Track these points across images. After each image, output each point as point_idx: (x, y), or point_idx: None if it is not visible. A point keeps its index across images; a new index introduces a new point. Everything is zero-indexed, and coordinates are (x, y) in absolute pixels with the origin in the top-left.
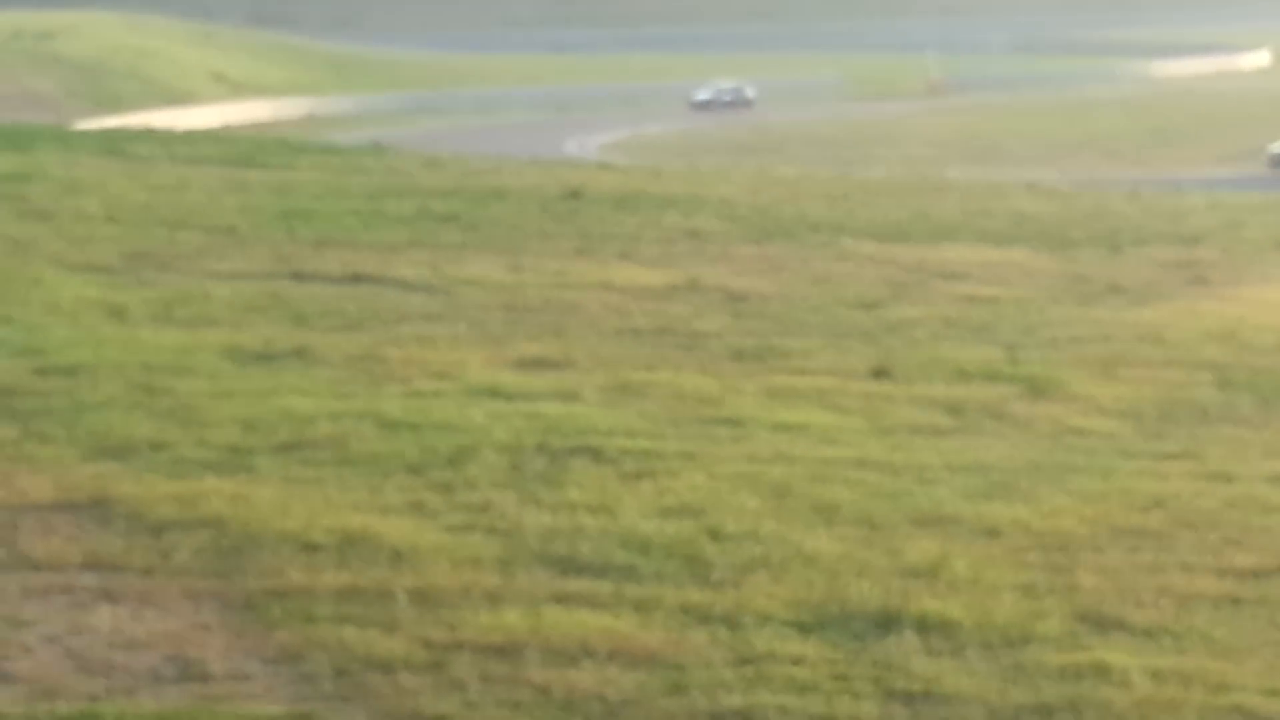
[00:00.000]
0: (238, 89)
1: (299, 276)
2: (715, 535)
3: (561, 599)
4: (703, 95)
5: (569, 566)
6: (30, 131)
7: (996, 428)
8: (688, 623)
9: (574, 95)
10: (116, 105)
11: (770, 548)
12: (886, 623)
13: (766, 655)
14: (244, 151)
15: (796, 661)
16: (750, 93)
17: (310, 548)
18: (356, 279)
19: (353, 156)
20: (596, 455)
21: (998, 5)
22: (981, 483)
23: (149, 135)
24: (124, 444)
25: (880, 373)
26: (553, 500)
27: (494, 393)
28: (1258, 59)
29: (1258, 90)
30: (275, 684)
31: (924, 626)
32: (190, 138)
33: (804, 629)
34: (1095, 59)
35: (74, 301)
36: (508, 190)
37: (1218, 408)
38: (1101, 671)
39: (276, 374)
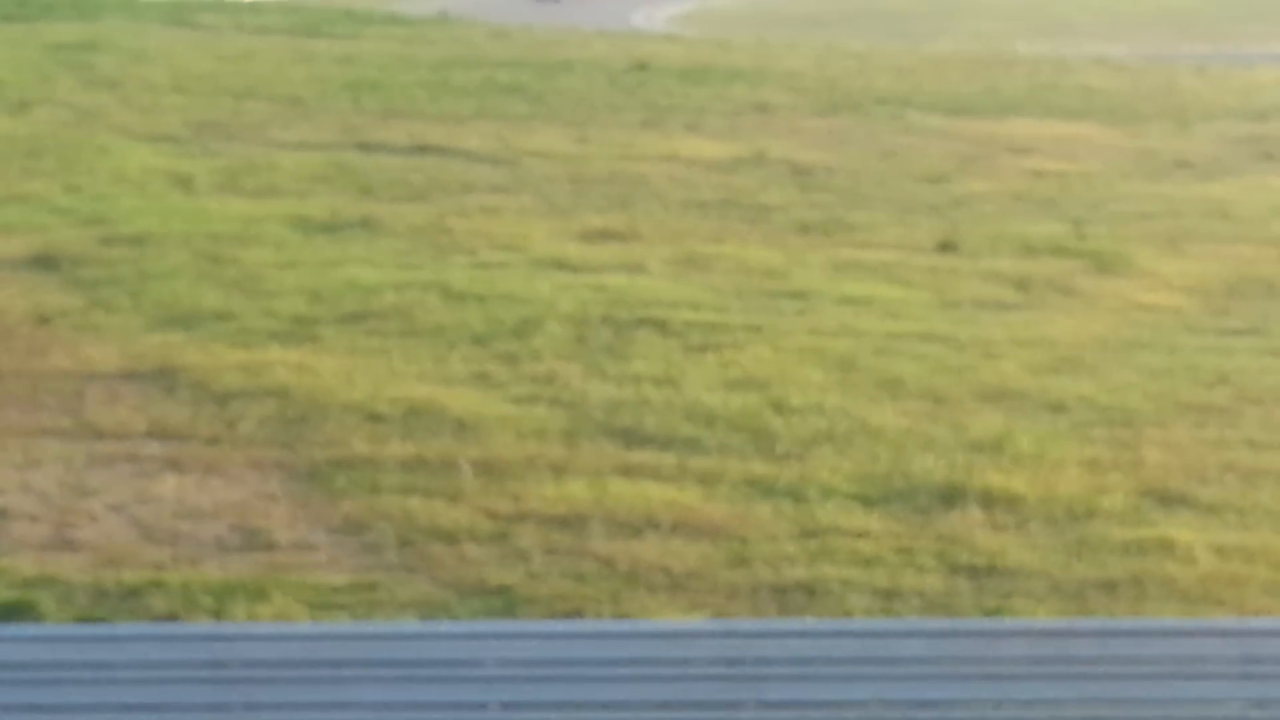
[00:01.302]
0: None
1: (365, 147)
2: (780, 408)
3: (626, 471)
4: None
5: (633, 438)
6: (98, 0)
7: (1062, 303)
8: (752, 495)
9: None
10: None
11: (835, 421)
12: (950, 497)
13: (830, 529)
14: (310, 21)
15: (860, 535)
16: None
17: (375, 418)
18: (422, 150)
19: (419, 27)
20: (661, 327)
21: None
22: (1047, 358)
23: (215, 5)
24: (190, 313)
25: (946, 247)
26: (617, 372)
27: (559, 264)
28: None
29: None
30: (340, 554)
31: (988, 501)
32: (256, 7)
33: (868, 503)
34: None
35: (140, 171)
36: (574, 62)
37: None
38: (1166, 547)
39: (342, 244)
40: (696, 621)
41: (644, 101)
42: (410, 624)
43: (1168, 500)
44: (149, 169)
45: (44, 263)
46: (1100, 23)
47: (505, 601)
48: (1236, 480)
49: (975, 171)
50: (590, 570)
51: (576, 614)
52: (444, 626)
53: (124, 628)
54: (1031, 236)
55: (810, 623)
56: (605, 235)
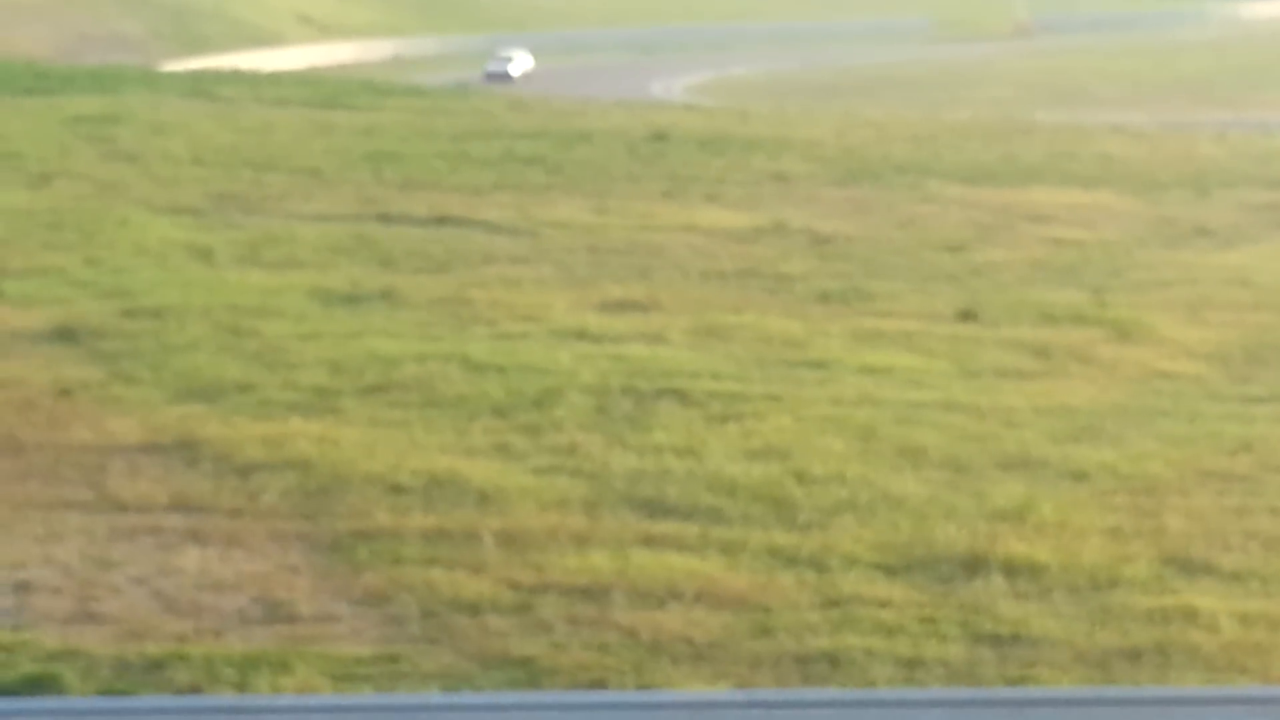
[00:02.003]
0: (324, 30)
1: (385, 218)
2: (801, 478)
3: (648, 541)
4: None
5: (656, 509)
6: (117, 73)
7: (1083, 371)
8: (774, 565)
9: (659, 36)
10: (203, 47)
11: (856, 490)
12: (973, 566)
13: (853, 598)
14: (330, 93)
15: (883, 604)
16: (516, 67)
17: (397, 489)
18: (442, 221)
19: (438, 98)
20: (683, 397)
21: None
22: (1068, 426)
23: (235, 77)
24: (211, 385)
25: (966, 315)
26: (639, 442)
27: (580, 335)
28: None
29: None
30: (362, 625)
31: (1011, 569)
32: (276, 79)
33: (890, 572)
34: (1183, 0)
35: (160, 243)
36: (593, 132)
37: None
38: (1189, 615)
39: (363, 316)
40: (720, 691)
41: (663, 171)
42: (434, 695)
43: (1191, 568)
44: (169, 241)
45: (65, 335)
46: (1119, 90)
47: (528, 672)
48: (1259, 548)
49: (994, 240)
50: (613, 641)
51: (600, 684)
52: (467, 698)
53: (147, 700)
54: (1051, 305)
55: (834, 692)
56: (625, 305)
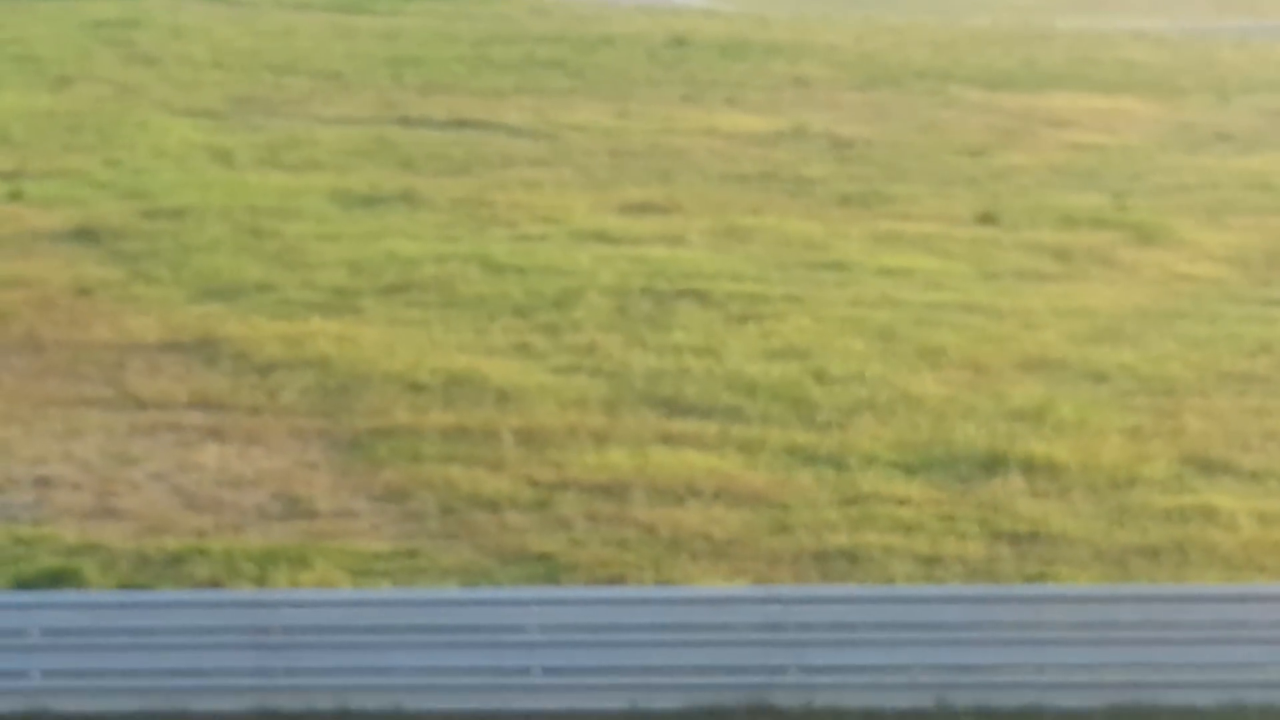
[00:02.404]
0: None
1: (405, 121)
2: (821, 377)
3: (667, 439)
4: None
5: (675, 407)
6: None
7: (1103, 273)
8: (793, 463)
9: None
10: None
11: (876, 390)
12: (992, 464)
13: (872, 496)
14: None
15: (902, 502)
16: None
17: (416, 388)
18: (463, 124)
19: (460, 3)
20: (702, 298)
21: None
22: (1088, 327)
23: None
24: (231, 285)
25: (986, 218)
26: (658, 342)
27: (600, 237)
28: None
29: None
30: (381, 521)
31: (1030, 468)
32: None
33: (909, 470)
34: None
35: (180, 145)
36: (614, 37)
37: None
38: (1208, 514)
39: (382, 217)
40: (738, 587)
41: (683, 76)
42: (452, 590)
43: (1209, 468)
44: (189, 143)
45: (85, 235)
46: None
47: (547, 568)
48: (1278, 448)
49: (1015, 144)
50: (632, 537)
51: (618, 580)
52: (486, 593)
53: (166, 595)
54: (1072, 208)
55: (852, 589)
56: (645, 208)
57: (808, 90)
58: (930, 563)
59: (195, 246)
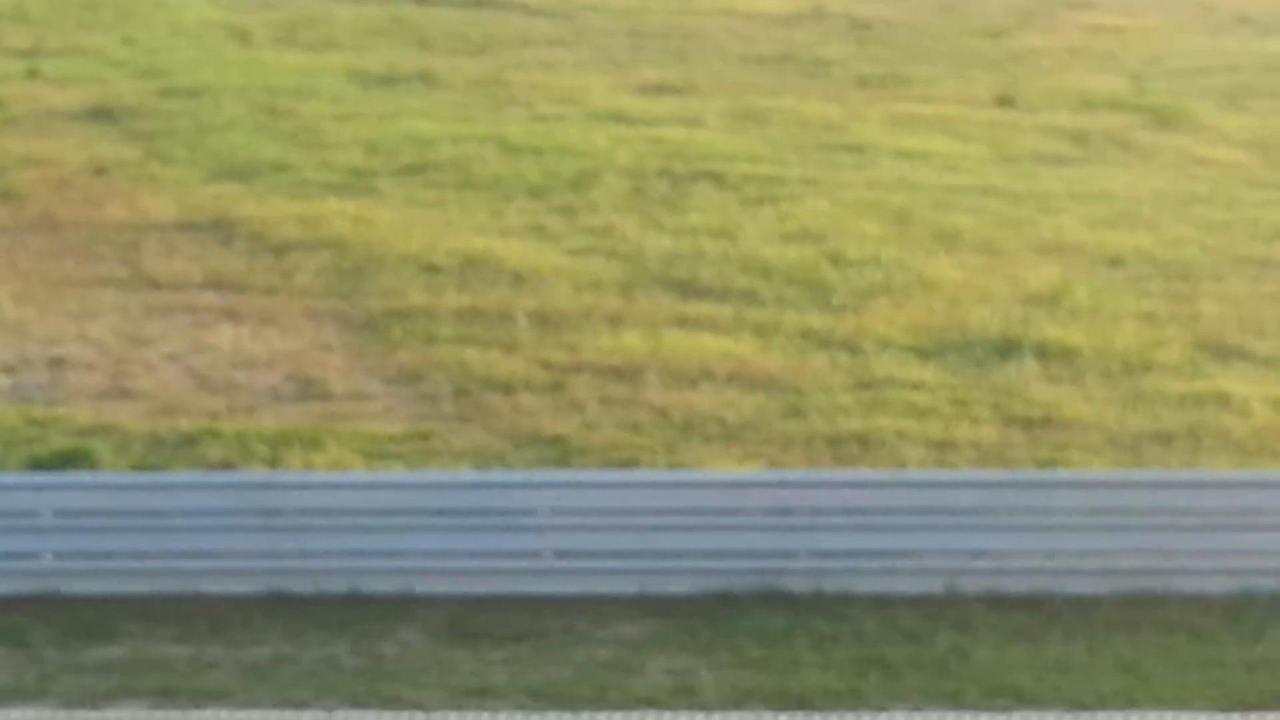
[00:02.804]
0: None
1: (422, 1)
2: (836, 260)
3: (682, 322)
4: None
5: (689, 290)
6: None
7: (1121, 157)
8: (807, 347)
9: None
10: None
11: (891, 274)
12: (1006, 349)
13: (885, 380)
14: None
15: (915, 387)
16: None
17: (431, 269)
18: (480, 3)
19: None
20: (718, 180)
21: None
22: (1104, 211)
23: None
24: (247, 165)
25: (1004, 101)
26: (674, 224)
27: (617, 117)
28: None
29: None
30: (395, 403)
31: (1044, 353)
32: None
33: (923, 354)
34: None
35: (197, 23)
36: None
37: None
38: (1221, 399)
39: (399, 97)
40: (751, 472)
41: None
42: (465, 473)
43: (1223, 353)
44: (206, 22)
45: (101, 114)
46: None
47: (560, 451)
48: None
49: (1034, 26)
50: (645, 420)
51: (631, 464)
52: (499, 476)
53: (179, 476)
54: (1090, 91)
55: (864, 473)
56: (662, 89)
57: None
58: (943, 447)
59: (211, 126)
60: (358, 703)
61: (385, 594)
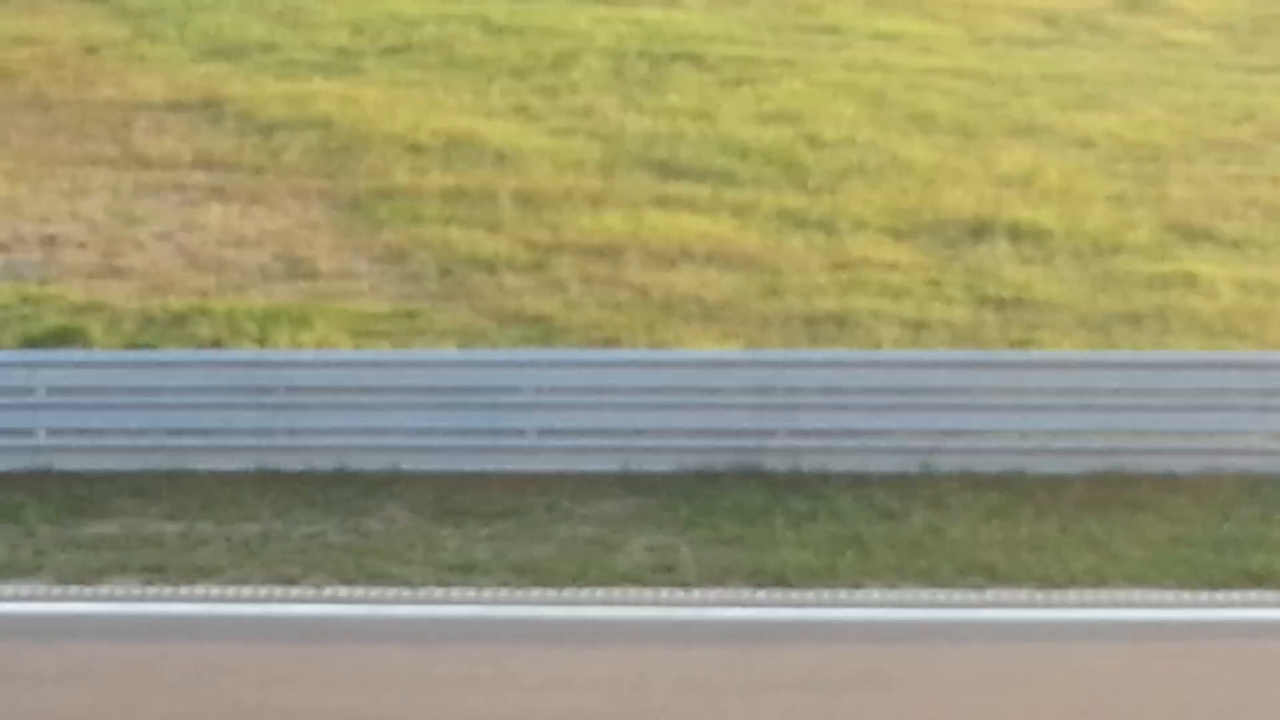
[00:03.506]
0: None
1: None
2: (813, 141)
3: (661, 202)
4: None
5: (669, 170)
6: None
7: (1092, 39)
8: (784, 227)
9: None
10: None
11: (866, 155)
12: (979, 230)
13: (861, 260)
14: None
15: (890, 267)
16: None
17: (416, 149)
18: None
19: None
20: (697, 61)
21: None
22: (1075, 93)
23: None
24: (235, 44)
25: None
26: (654, 105)
27: None
28: None
29: None
30: (381, 281)
31: (1016, 234)
32: None
33: (898, 235)
34: None
35: None
36: None
37: None
38: (1189, 281)
39: None
40: (729, 351)
41: None
42: (449, 352)
43: (1192, 235)
44: None
45: None
46: None
47: (542, 330)
48: (1260, 215)
49: None
50: (626, 299)
51: (612, 342)
52: (482, 354)
53: (170, 354)
54: None
55: (840, 353)
56: None
57: None
58: (917, 327)
59: (200, 5)
60: (345, 579)
61: (372, 471)
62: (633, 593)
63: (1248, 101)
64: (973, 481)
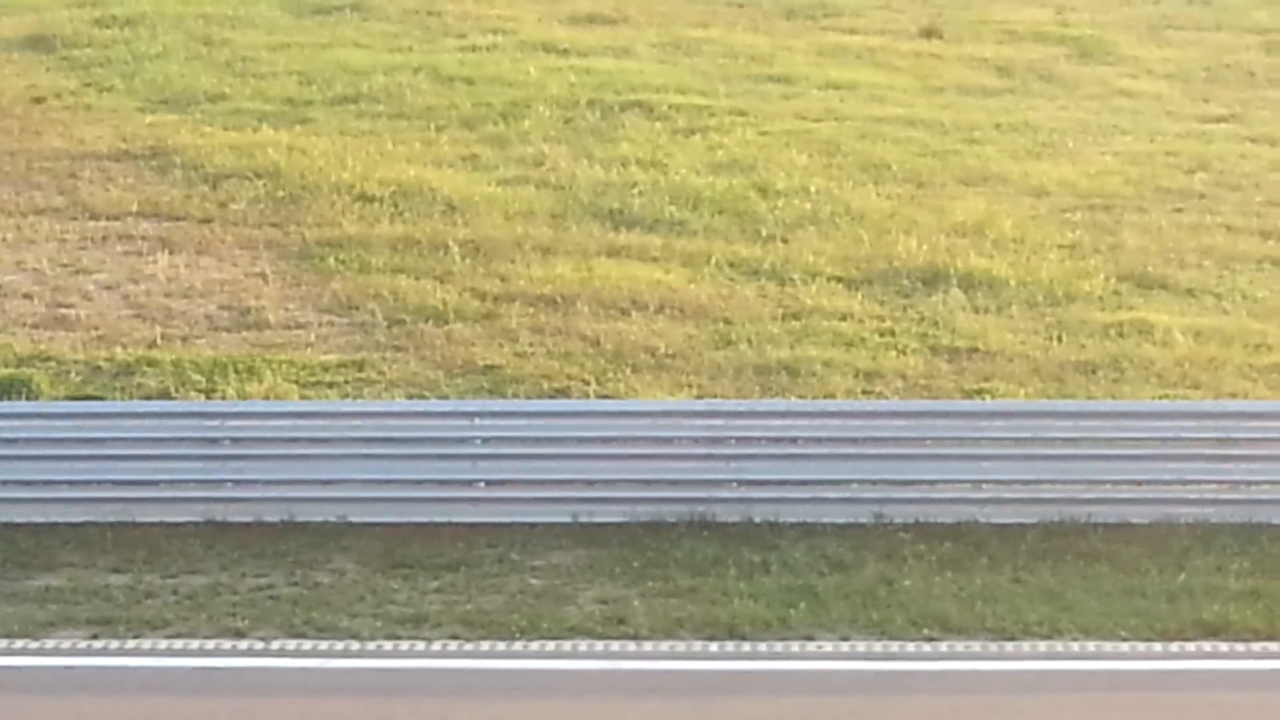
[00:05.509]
0: None
1: None
2: (765, 191)
3: (612, 252)
4: None
5: (620, 220)
6: None
7: (1045, 88)
8: (736, 277)
9: None
10: None
11: (819, 204)
12: (932, 279)
13: (813, 310)
14: None
15: (843, 317)
16: None
17: (365, 198)
18: None
19: None
20: (649, 110)
21: None
22: (1028, 142)
23: None
24: (183, 94)
25: (930, 32)
26: (605, 154)
27: (548, 47)
28: None
29: None
30: (329, 332)
31: (970, 283)
32: None
33: (851, 284)
34: None
35: None
36: None
37: (1264, 70)
38: (1144, 330)
39: (333, 27)
40: (680, 401)
41: None
42: (398, 402)
43: (1146, 284)
44: None
45: (38, 43)
46: None
47: (493, 380)
48: (1213, 264)
49: None
50: (576, 349)
51: (562, 393)
52: (432, 405)
53: (116, 405)
54: (1015, 22)
55: (792, 403)
56: (593, 19)
57: None
58: (870, 377)
59: (148, 55)
60: (293, 632)
61: (320, 522)
62: (584, 645)
63: (1201, 150)
64: (926, 532)
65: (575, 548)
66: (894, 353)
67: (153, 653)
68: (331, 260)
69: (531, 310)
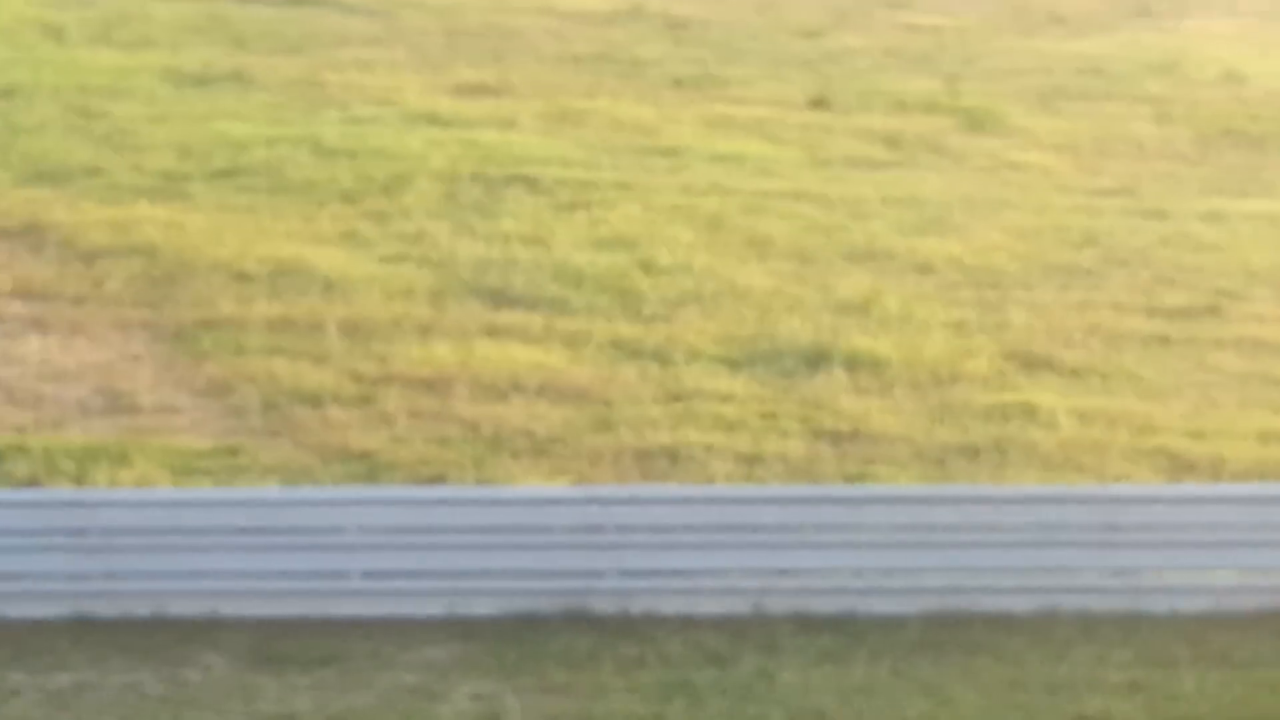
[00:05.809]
0: None
1: None
2: (648, 268)
3: (492, 332)
4: None
5: (501, 299)
6: None
7: (933, 161)
8: (618, 358)
9: None
10: None
11: (702, 282)
12: (816, 359)
13: (695, 392)
14: None
15: (725, 399)
16: None
17: (242, 277)
18: (297, 1)
19: None
20: (532, 184)
21: None
22: (916, 217)
23: None
24: (58, 168)
25: (818, 103)
26: (486, 231)
27: (431, 119)
28: None
29: None
30: (204, 417)
31: (853, 364)
32: None
33: (733, 365)
34: None
35: (11, 19)
36: None
37: (1155, 143)
38: (1029, 412)
39: (213, 98)
40: (559, 488)
41: None
42: (273, 490)
43: (1032, 364)
44: (20, 18)
45: None
46: None
47: (368, 466)
48: (1100, 343)
49: (849, 25)
50: (454, 434)
51: (439, 479)
52: (305, 493)
53: None
54: (904, 93)
55: (673, 489)
56: (478, 89)
57: None
58: (751, 461)
59: (23, 127)
60: None
61: (191, 616)
62: None
63: (1090, 225)
64: (805, 623)
65: (449, 642)
66: (775, 436)
67: None
68: (206, 342)
69: (409, 393)
